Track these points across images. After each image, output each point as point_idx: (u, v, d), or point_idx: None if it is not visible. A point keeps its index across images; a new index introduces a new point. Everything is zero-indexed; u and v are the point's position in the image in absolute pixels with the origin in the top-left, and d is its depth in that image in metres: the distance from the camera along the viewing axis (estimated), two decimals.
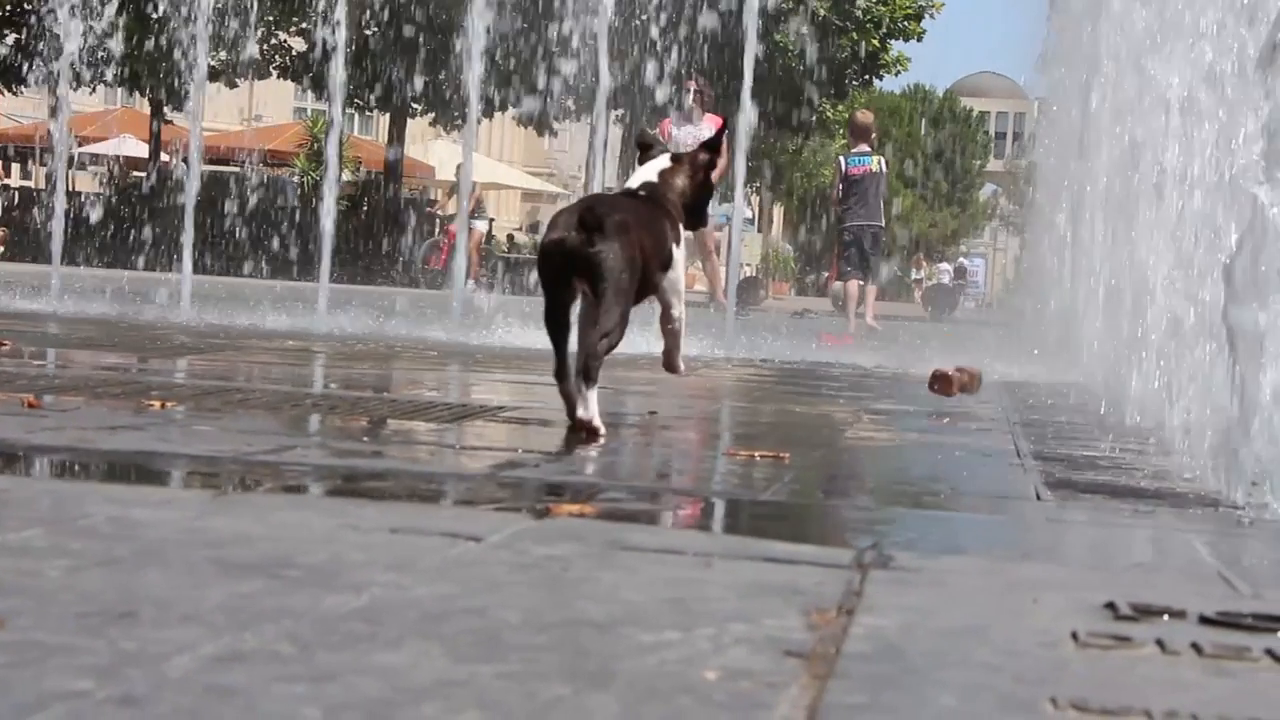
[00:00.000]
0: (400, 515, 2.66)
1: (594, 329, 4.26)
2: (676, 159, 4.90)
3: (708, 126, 14.01)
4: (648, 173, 4.82)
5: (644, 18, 14.26)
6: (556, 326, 4.35)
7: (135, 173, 31.65)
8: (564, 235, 4.26)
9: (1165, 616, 1.99)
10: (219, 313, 10.87)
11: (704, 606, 1.93)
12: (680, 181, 4.84)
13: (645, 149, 4.99)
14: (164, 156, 31.59)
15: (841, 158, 15.19)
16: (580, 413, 4.28)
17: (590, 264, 4.22)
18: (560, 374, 4.35)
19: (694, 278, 28.65)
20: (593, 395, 4.28)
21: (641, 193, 4.75)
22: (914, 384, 7.92)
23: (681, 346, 4.89)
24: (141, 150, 33.26)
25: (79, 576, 1.93)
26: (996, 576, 2.36)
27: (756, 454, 4.07)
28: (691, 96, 13.83)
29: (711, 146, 4.99)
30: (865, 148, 14.98)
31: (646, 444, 4.70)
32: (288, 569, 2.03)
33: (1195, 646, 1.82)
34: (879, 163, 15.03)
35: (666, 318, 4.77)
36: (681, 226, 4.79)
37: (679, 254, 4.71)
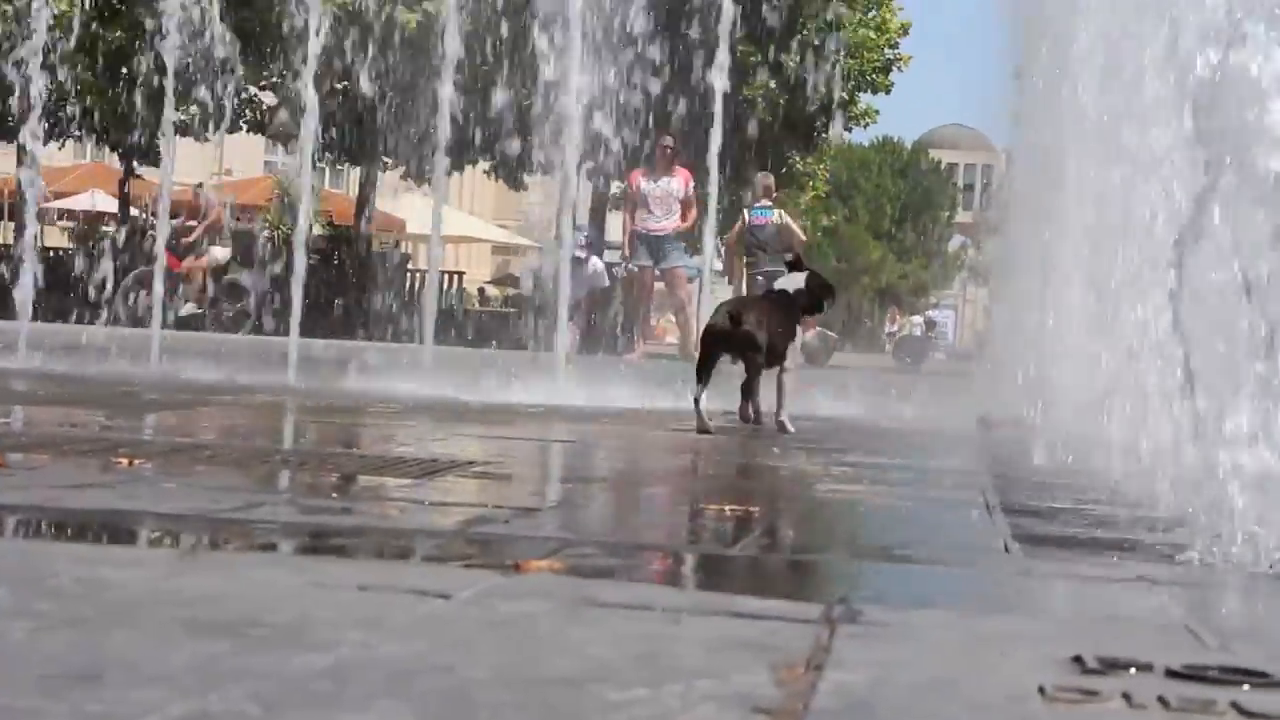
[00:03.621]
0: (369, 572, 2.65)
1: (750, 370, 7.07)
2: (810, 274, 7.37)
3: (678, 180, 14.15)
4: (795, 281, 7.29)
5: (614, 71, 14.33)
6: (705, 372, 6.87)
7: (104, 228, 31.55)
8: (720, 321, 6.93)
9: (1132, 670, 1.99)
10: (188, 368, 10.82)
11: (673, 662, 1.93)
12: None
13: (792, 266, 7.46)
14: (133, 211, 31.50)
15: (745, 210, 17.48)
16: (740, 414, 7.24)
17: (735, 340, 6.87)
18: (698, 398, 6.84)
19: (664, 330, 28.65)
20: (748, 402, 7.17)
21: (777, 295, 7.32)
22: (882, 435, 7.94)
23: (786, 404, 7.10)
24: (111, 205, 33.20)
25: (44, 637, 1.92)
26: (965, 630, 2.37)
27: (726, 507, 4.08)
28: (662, 151, 13.94)
29: (799, 266, 7.40)
30: (767, 202, 17.37)
31: (616, 498, 4.70)
32: (255, 628, 2.02)
33: (1162, 700, 1.82)
34: (780, 215, 17.51)
35: (781, 369, 7.10)
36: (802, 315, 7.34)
37: (799, 334, 7.36)
